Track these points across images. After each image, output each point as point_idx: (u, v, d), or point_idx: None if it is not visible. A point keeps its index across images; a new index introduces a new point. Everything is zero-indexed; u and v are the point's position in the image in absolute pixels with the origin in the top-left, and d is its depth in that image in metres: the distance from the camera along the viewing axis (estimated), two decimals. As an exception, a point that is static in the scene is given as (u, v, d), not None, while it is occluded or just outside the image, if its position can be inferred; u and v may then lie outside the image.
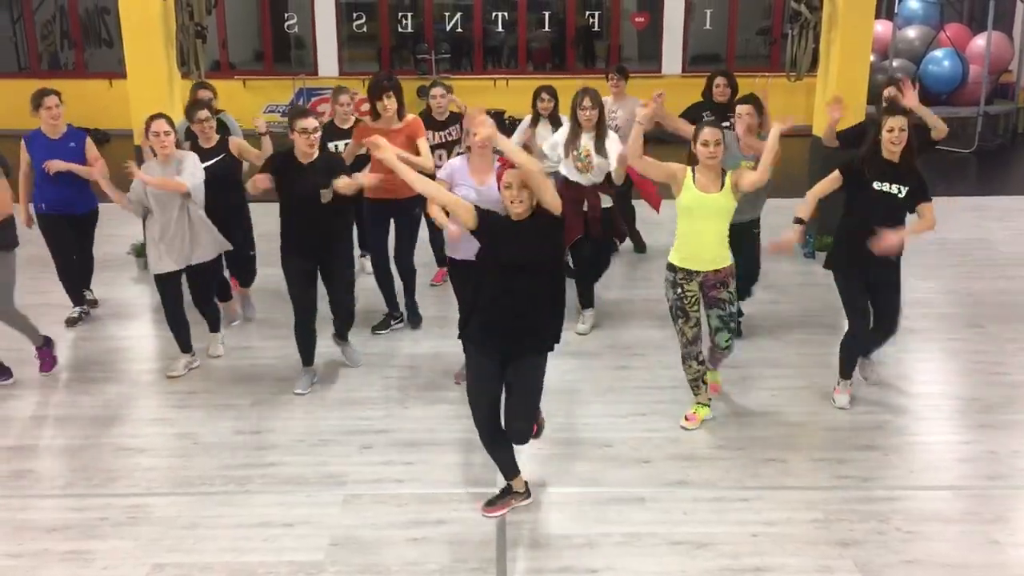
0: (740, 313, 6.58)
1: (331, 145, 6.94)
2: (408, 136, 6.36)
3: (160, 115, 5.84)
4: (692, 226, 5.13)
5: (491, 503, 4.57)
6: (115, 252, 8.32)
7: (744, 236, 6.13)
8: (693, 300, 5.24)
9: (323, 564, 4.19)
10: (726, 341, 5.39)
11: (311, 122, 5.54)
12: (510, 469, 4.55)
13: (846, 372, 5.68)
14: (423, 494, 4.73)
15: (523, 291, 4.21)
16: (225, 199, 6.30)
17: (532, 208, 4.21)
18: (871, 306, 5.53)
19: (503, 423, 4.44)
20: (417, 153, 6.25)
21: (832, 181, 5.38)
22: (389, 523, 4.50)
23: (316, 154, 5.63)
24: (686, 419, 5.39)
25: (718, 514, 4.56)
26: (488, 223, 4.29)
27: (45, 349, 6.14)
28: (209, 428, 5.43)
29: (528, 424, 4.46)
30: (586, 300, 6.83)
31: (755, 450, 5.15)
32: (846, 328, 6.72)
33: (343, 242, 5.91)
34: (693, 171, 5.12)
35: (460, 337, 4.49)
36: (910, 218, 5.33)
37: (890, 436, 5.33)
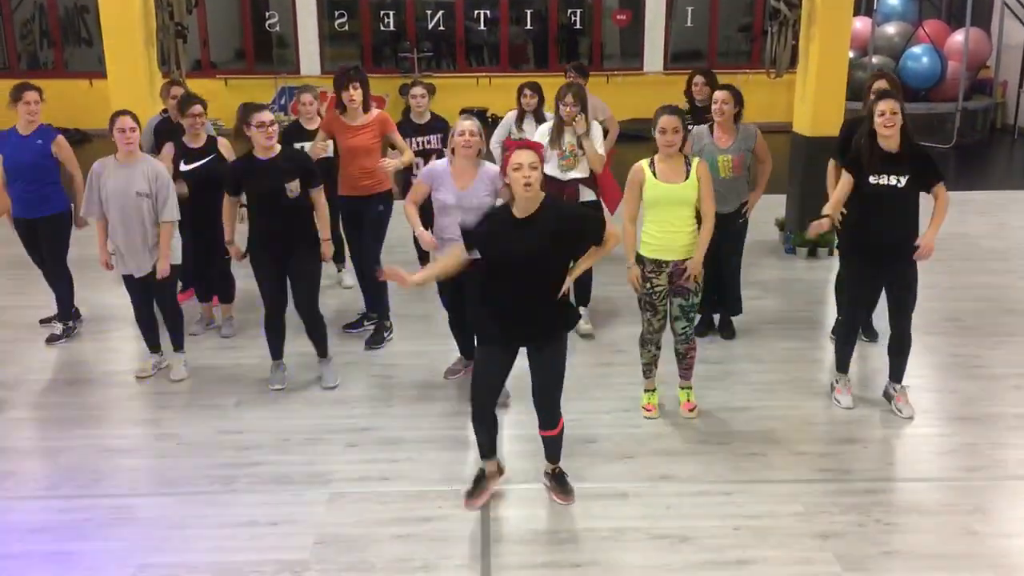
0: (739, 311, 6.63)
1: (296, 146, 6.89)
2: (380, 132, 6.35)
3: (125, 111, 5.72)
4: (659, 216, 5.15)
5: (471, 494, 4.59)
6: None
7: (729, 225, 6.19)
8: (662, 294, 5.30)
9: (308, 562, 4.20)
10: (682, 329, 5.39)
11: (266, 115, 5.51)
12: (489, 451, 4.59)
13: (843, 364, 5.60)
14: (408, 492, 4.75)
15: (533, 287, 4.26)
16: (214, 201, 6.01)
17: (539, 201, 4.22)
18: (888, 309, 5.44)
19: (536, 407, 4.54)
20: (384, 149, 6.33)
21: (847, 184, 5.24)
22: (374, 521, 4.51)
23: (278, 149, 5.61)
24: (646, 410, 5.51)
25: (701, 508, 4.60)
26: (479, 239, 4.33)
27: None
28: (193, 428, 5.43)
29: (555, 410, 4.52)
30: (582, 297, 6.73)
31: (737, 444, 5.20)
32: (828, 323, 6.86)
33: (310, 240, 5.78)
34: (652, 163, 5.14)
35: (477, 339, 4.54)
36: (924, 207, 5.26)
37: (870, 429, 5.39)
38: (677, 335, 5.43)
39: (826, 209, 5.43)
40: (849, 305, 5.58)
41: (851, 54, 9.75)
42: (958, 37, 14.02)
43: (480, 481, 4.64)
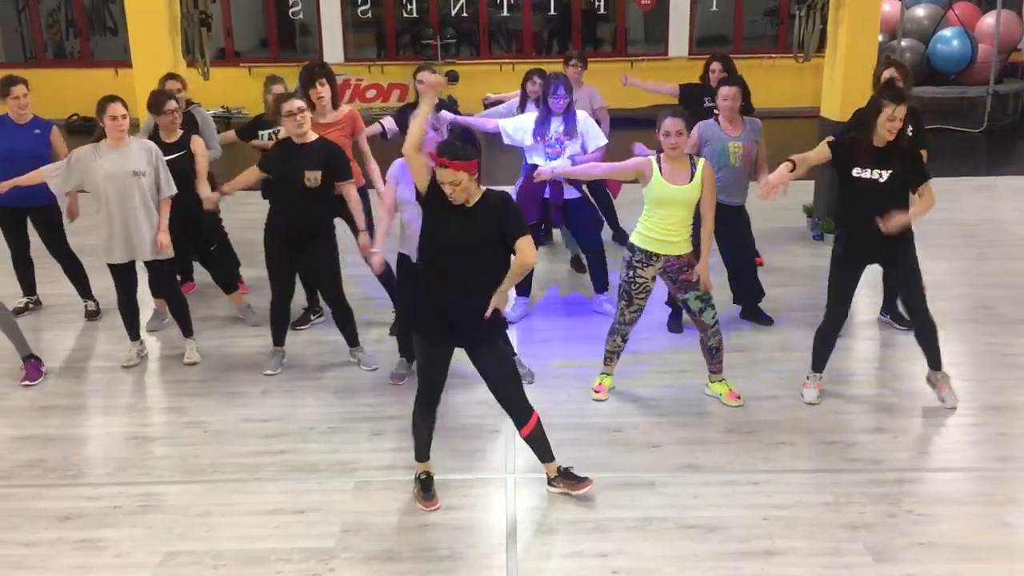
0: (760, 296, 6.62)
1: (261, 134, 6.75)
2: (350, 129, 6.32)
3: (115, 98, 5.75)
4: (658, 213, 5.15)
5: (427, 498, 4.51)
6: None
7: (733, 219, 6.24)
8: (641, 287, 5.28)
9: (334, 550, 4.21)
10: (712, 318, 5.34)
11: (294, 104, 5.51)
12: (424, 453, 4.54)
13: (817, 364, 5.51)
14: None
15: (468, 277, 4.15)
16: (183, 199, 6.04)
17: (479, 194, 4.15)
18: (899, 302, 5.49)
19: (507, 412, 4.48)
20: (356, 150, 6.30)
21: (820, 155, 5.22)
22: (399, 509, 4.51)
23: (312, 136, 5.64)
24: (595, 391, 5.54)
25: (728, 498, 4.56)
26: (435, 198, 4.15)
27: (33, 361, 5.93)
28: (219, 416, 5.45)
29: (523, 405, 4.42)
30: (600, 283, 6.79)
31: (765, 433, 5.15)
32: (856, 310, 6.77)
33: (328, 229, 5.78)
34: (659, 161, 5.13)
35: (412, 331, 4.44)
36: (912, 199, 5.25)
37: (900, 418, 5.32)
38: (709, 328, 5.35)
39: (801, 156, 5.30)
40: (831, 304, 5.43)
41: (880, 37, 9.58)
42: (989, 19, 13.78)
43: (429, 484, 4.55)
